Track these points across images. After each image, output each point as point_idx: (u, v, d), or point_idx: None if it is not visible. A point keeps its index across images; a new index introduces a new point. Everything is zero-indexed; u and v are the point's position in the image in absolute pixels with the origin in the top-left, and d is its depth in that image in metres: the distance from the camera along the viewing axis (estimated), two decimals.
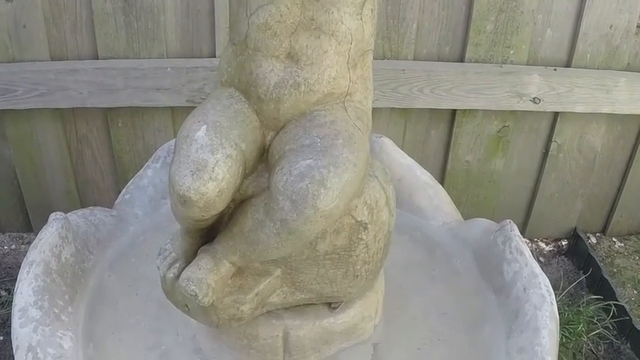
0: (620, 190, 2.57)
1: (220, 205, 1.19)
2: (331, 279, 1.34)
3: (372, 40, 1.32)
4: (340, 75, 1.27)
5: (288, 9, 1.22)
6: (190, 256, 1.31)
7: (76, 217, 1.65)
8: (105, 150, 2.32)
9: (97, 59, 2.15)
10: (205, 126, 1.21)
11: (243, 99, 1.29)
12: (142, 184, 1.80)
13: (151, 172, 1.80)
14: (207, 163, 1.15)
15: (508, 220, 1.56)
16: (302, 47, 1.24)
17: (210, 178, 1.15)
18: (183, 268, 1.29)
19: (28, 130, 2.26)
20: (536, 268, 1.47)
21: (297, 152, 1.19)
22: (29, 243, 2.47)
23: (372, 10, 1.28)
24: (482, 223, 1.72)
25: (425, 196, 1.81)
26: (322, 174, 1.13)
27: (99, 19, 2.10)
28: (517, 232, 1.54)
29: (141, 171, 1.81)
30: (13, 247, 2.47)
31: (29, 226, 2.48)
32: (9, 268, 2.38)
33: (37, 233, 2.40)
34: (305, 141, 1.21)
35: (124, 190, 1.80)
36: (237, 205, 1.29)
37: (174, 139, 1.65)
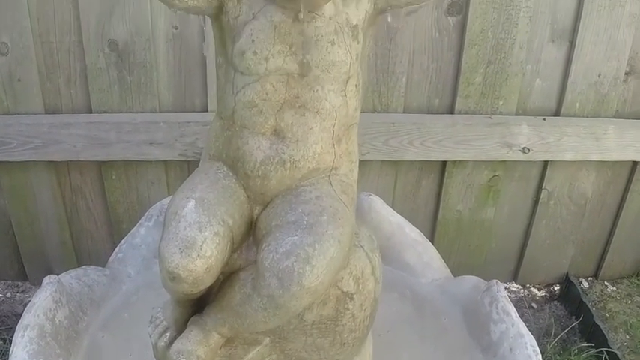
0: (611, 233, 2.58)
1: (208, 281, 1.21)
2: (319, 347, 1.36)
3: (357, 114, 1.34)
4: (325, 151, 1.29)
5: (273, 87, 1.25)
6: (181, 325, 1.33)
7: (70, 277, 1.66)
8: (99, 201, 2.34)
9: (91, 113, 2.18)
10: (193, 202, 1.23)
11: (230, 174, 1.32)
12: (135, 243, 1.81)
13: (144, 231, 1.81)
14: (196, 240, 1.18)
15: (495, 281, 1.58)
16: (287, 125, 1.26)
17: (199, 255, 1.17)
18: (174, 337, 1.31)
19: (23, 181, 2.28)
20: (523, 328, 1.49)
21: (282, 229, 1.21)
22: (24, 291, 2.48)
23: (356, 85, 1.30)
24: (471, 281, 1.73)
25: (414, 253, 1.82)
26: (307, 252, 1.15)
27: (92, 73, 2.12)
28: (503, 292, 1.55)
29: (134, 229, 1.83)
30: (9, 295, 2.48)
31: (24, 274, 2.49)
32: (4, 316, 2.38)
33: (32, 282, 2.44)
34: (291, 217, 1.23)
35: (117, 248, 1.82)
36: (226, 277, 1.32)
37: (167, 198, 1.68)
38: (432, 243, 2.30)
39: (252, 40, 1.22)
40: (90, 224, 2.39)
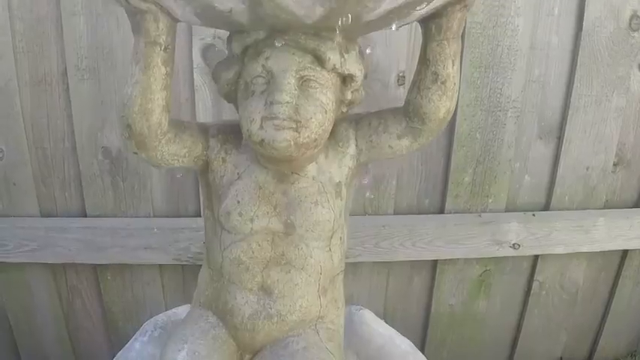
0: (604, 318, 2.59)
1: None
2: None
3: (343, 263, 1.37)
4: (311, 303, 1.32)
5: (259, 245, 1.28)
6: None
7: None
8: (95, 300, 2.36)
9: (86, 217, 2.20)
10: (185, 354, 1.27)
11: (220, 324, 1.35)
12: (131, 357, 1.82)
13: (139, 346, 1.82)
14: None
15: None
16: (274, 281, 1.29)
17: None
18: None
19: (19, 279, 2.30)
20: None
21: None
22: None
23: (340, 237, 1.33)
24: None
25: None
26: None
27: (87, 179, 2.15)
28: None
29: (128, 344, 1.84)
30: None
31: None
32: None
33: None
34: None
35: None
36: None
37: (162, 314, 1.70)
38: (425, 336, 2.35)
39: (238, 201, 1.25)
40: (86, 321, 2.40)
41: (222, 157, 1.28)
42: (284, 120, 1.13)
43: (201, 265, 1.42)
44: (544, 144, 2.24)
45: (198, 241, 2.13)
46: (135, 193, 2.17)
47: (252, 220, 1.25)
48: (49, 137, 2.12)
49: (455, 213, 2.27)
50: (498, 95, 2.13)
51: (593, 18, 2.09)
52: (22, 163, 2.14)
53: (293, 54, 1.14)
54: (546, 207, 2.33)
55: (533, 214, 2.29)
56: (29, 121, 2.10)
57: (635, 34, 2.14)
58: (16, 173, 2.15)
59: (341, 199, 1.29)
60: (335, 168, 1.29)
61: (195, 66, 2.02)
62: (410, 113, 1.25)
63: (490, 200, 2.26)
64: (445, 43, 1.19)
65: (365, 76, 1.26)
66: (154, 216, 2.21)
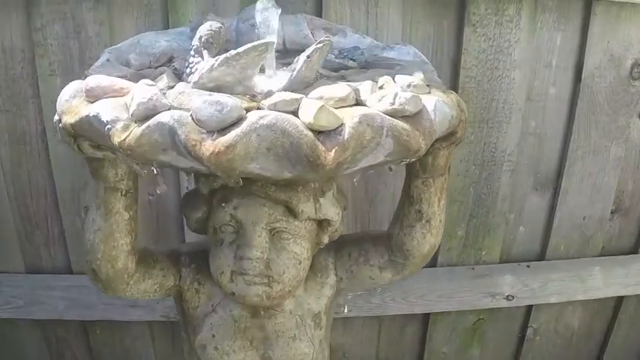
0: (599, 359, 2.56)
1: None
2: None
3: None
4: None
5: None
6: None
7: None
8: (85, 350, 2.33)
9: (72, 273, 2.16)
10: None
11: None
12: None
13: None
14: None
15: None
16: None
17: None
18: None
19: (7, 333, 2.27)
20: None
21: None
22: None
23: None
24: None
25: None
26: None
27: (70, 236, 2.11)
28: None
29: None
30: None
31: None
32: None
33: None
34: None
35: None
36: None
37: None
38: None
39: (213, 335, 1.22)
40: None
41: (196, 288, 1.25)
42: (255, 276, 1.09)
43: None
44: (539, 195, 2.19)
45: None
46: None
47: (228, 355, 1.22)
48: (30, 195, 2.07)
49: (447, 266, 2.22)
50: (493, 149, 2.07)
51: (593, 68, 2.02)
52: (4, 220, 2.09)
53: (263, 205, 1.09)
54: (541, 257, 2.28)
55: (528, 265, 2.25)
56: (10, 179, 2.05)
57: (636, 82, 2.07)
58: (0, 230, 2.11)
59: (320, 329, 1.26)
60: (313, 299, 1.25)
61: None
62: (392, 247, 1.21)
63: (484, 253, 2.22)
64: (430, 180, 1.15)
65: (344, 209, 1.21)
66: None
